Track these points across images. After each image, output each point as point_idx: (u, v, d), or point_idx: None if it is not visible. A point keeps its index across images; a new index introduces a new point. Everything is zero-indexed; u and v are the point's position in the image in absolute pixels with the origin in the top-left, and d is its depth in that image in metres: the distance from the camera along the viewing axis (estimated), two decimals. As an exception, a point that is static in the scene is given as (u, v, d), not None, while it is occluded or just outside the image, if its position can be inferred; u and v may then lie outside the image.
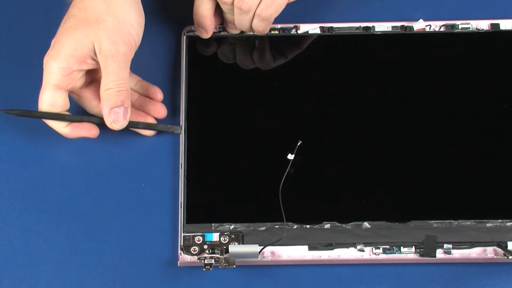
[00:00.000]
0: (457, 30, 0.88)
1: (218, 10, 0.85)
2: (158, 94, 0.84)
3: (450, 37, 0.87)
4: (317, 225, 0.79)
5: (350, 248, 0.79)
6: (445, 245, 0.78)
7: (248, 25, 0.84)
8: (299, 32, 0.88)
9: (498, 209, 0.80)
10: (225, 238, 0.79)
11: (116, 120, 0.78)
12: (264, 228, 0.79)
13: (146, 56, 0.86)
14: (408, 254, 0.79)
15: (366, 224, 0.79)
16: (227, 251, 0.77)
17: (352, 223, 0.79)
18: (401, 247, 0.79)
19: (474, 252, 0.79)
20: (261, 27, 0.83)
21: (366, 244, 0.79)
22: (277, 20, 0.84)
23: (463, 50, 0.87)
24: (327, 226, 0.79)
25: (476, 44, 0.87)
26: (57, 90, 0.78)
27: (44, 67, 0.78)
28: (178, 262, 0.79)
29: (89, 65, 0.78)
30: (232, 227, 0.79)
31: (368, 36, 0.88)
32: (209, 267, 0.76)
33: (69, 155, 0.82)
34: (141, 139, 0.83)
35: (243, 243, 0.79)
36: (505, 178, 0.81)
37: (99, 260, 0.79)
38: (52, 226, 0.80)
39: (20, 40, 0.87)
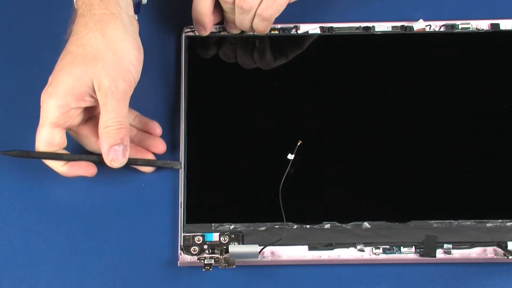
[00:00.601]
0: (457, 30, 0.88)
1: (216, 8, 0.85)
2: (157, 129, 0.82)
3: (450, 37, 0.87)
4: (317, 225, 0.79)
5: (350, 248, 0.79)
6: (445, 245, 0.78)
7: (248, 25, 0.84)
8: (299, 32, 0.88)
9: (498, 209, 0.80)
10: (225, 238, 0.79)
11: (115, 159, 0.77)
12: (264, 228, 0.79)
13: (146, 55, 0.86)
14: (408, 254, 0.78)
15: (366, 224, 0.79)
16: (227, 251, 0.77)
17: (352, 223, 0.79)
18: (401, 247, 0.79)
19: (474, 252, 0.79)
20: (261, 27, 0.83)
21: (366, 244, 0.79)
22: (277, 20, 0.84)
23: (463, 50, 0.87)
24: (327, 226, 0.79)
25: (476, 44, 0.87)
26: (54, 128, 0.77)
27: (41, 104, 0.76)
28: (178, 262, 0.79)
29: (88, 102, 0.77)
30: (232, 227, 0.79)
31: (368, 36, 0.88)
32: (209, 267, 0.76)
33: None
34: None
35: (243, 243, 0.79)
36: (505, 178, 0.81)
37: (99, 260, 0.79)
38: (52, 226, 0.80)
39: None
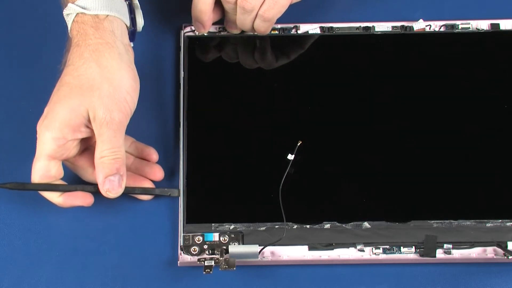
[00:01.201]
0: (457, 30, 0.88)
1: (216, 6, 0.85)
2: (153, 155, 0.82)
3: (450, 37, 0.87)
4: (317, 225, 0.79)
5: (350, 248, 0.79)
6: (445, 245, 0.78)
7: (250, 25, 0.84)
8: (299, 32, 0.88)
9: (498, 209, 0.80)
10: (225, 238, 0.79)
11: (111, 189, 0.76)
12: (264, 228, 0.79)
13: (146, 56, 0.86)
14: (408, 254, 0.78)
15: (366, 224, 0.79)
16: (227, 251, 0.77)
17: (352, 223, 0.79)
18: (401, 247, 0.79)
19: (474, 252, 0.79)
20: (263, 27, 0.83)
21: (366, 244, 0.79)
22: (277, 20, 0.84)
23: (463, 50, 0.87)
24: (327, 226, 0.79)
25: (476, 44, 0.87)
26: (51, 160, 0.76)
27: (37, 136, 0.76)
28: (178, 262, 0.79)
29: (84, 133, 0.76)
30: (232, 227, 0.79)
31: (368, 36, 0.88)
32: (209, 270, 0.76)
33: None
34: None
35: (243, 243, 0.79)
36: (505, 178, 0.81)
37: (99, 260, 0.79)
38: (52, 226, 0.80)
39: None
